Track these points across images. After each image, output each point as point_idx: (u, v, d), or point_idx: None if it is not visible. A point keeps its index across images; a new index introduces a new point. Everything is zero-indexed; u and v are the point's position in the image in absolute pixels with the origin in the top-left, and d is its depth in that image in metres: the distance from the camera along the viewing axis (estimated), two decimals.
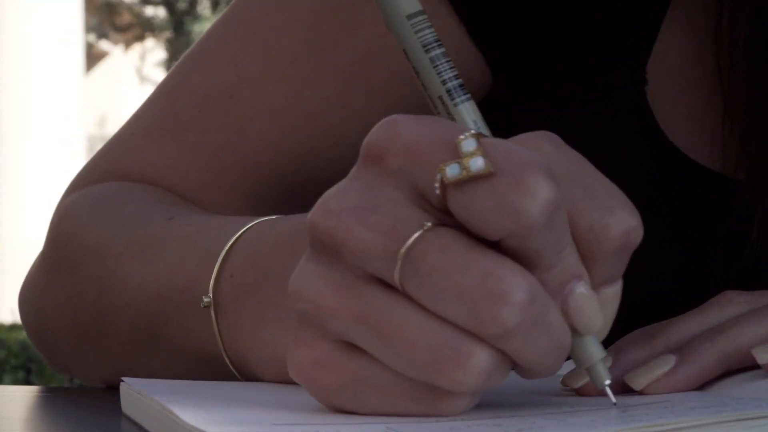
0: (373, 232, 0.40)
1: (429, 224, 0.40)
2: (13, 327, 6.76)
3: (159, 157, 0.68)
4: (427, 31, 0.44)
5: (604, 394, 0.48)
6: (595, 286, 0.42)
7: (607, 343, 0.50)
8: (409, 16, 0.44)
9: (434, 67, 0.44)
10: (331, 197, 0.41)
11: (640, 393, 0.47)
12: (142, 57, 13.65)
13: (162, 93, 0.70)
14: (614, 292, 0.43)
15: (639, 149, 0.65)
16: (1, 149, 9.42)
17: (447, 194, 0.40)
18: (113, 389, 0.53)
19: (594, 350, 0.43)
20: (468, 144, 0.40)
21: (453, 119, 0.43)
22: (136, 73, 13.61)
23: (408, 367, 0.40)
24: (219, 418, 0.42)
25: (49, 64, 9.51)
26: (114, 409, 0.51)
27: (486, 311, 0.39)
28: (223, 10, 0.71)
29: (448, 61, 0.44)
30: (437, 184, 0.40)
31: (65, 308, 0.65)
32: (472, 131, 0.40)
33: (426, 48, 0.44)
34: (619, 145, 0.65)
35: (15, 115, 9.42)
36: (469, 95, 0.44)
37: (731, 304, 0.50)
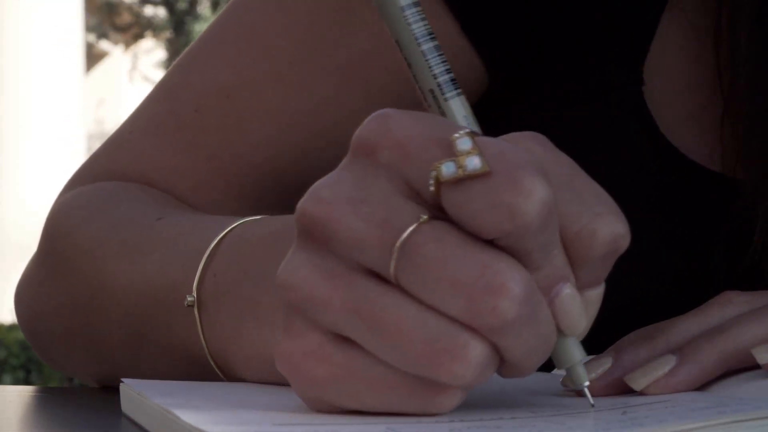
0: (366, 222, 0.40)
1: (425, 217, 0.40)
2: (13, 327, 6.76)
3: (156, 156, 0.68)
4: (421, 23, 0.44)
5: (604, 394, 0.48)
6: (580, 289, 0.42)
7: (607, 343, 0.51)
8: (404, 8, 0.43)
9: (426, 60, 0.43)
10: (323, 186, 0.41)
11: (641, 393, 0.47)
12: (142, 57, 13.64)
13: (160, 92, 0.70)
14: (597, 294, 0.43)
15: (637, 149, 0.65)
16: (1, 149, 9.42)
17: (441, 192, 0.40)
18: (113, 389, 0.53)
19: (575, 351, 0.43)
20: (464, 142, 0.40)
21: (443, 114, 0.43)
22: (136, 73, 13.60)
23: (402, 360, 0.40)
24: (219, 418, 0.41)
25: (49, 64, 9.50)
26: (114, 409, 0.51)
27: (484, 303, 0.39)
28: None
29: (440, 55, 0.44)
30: (431, 182, 0.40)
31: (59, 309, 0.65)
32: (467, 129, 0.40)
33: (419, 40, 0.43)
34: (618, 145, 0.65)
35: (15, 115, 9.41)
36: (460, 90, 0.44)
37: (731, 304, 0.50)
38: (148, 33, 13.37)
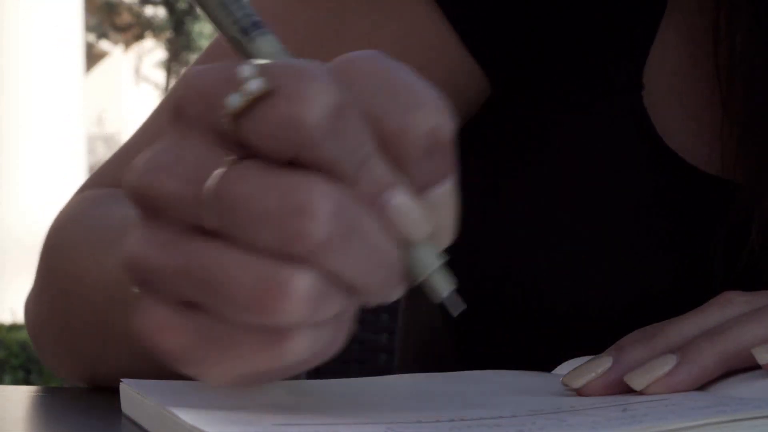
0: (180, 181, 0.40)
1: (229, 159, 0.39)
2: (13, 327, 6.77)
3: None
4: None
5: (604, 394, 0.48)
6: (419, 191, 0.40)
7: (607, 343, 0.51)
8: None
9: (225, 7, 0.42)
10: (140, 157, 0.41)
11: (641, 393, 0.47)
12: (142, 57, 13.65)
13: (166, 102, 0.70)
14: (443, 193, 0.41)
15: (637, 153, 0.65)
16: (1, 149, 9.43)
17: (237, 125, 0.39)
18: (113, 389, 0.53)
19: (429, 258, 0.40)
20: (245, 71, 0.39)
21: (253, 56, 0.42)
22: (135, 72, 13.61)
23: (237, 311, 0.39)
24: (219, 418, 0.42)
25: (49, 64, 9.50)
26: (114, 409, 0.51)
27: (292, 228, 0.38)
28: None
29: (240, 1, 0.42)
30: (226, 119, 0.39)
31: (45, 311, 0.65)
32: (257, 61, 0.40)
33: None
34: (616, 148, 0.65)
35: (15, 115, 9.41)
36: (264, 30, 0.43)
37: (731, 304, 0.50)
38: (148, 33, 13.38)
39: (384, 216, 0.39)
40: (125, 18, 13.29)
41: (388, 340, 1.15)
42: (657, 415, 0.41)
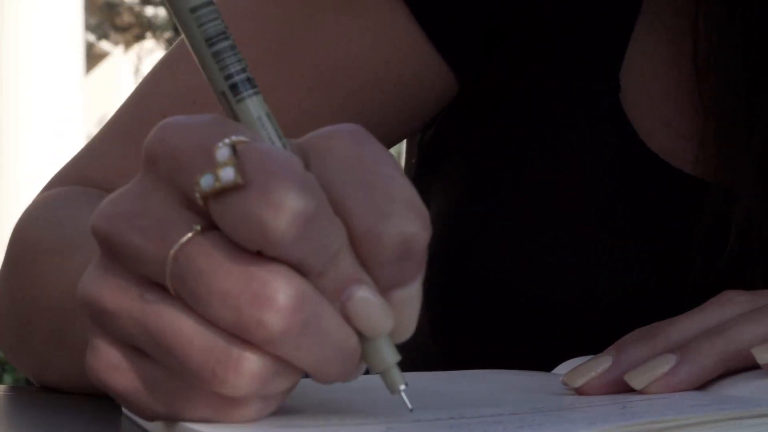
0: (142, 236, 0.40)
1: (198, 227, 0.40)
2: None
3: (121, 163, 0.68)
4: (212, 23, 0.42)
5: (604, 393, 0.48)
6: (383, 290, 0.40)
7: (606, 343, 0.51)
8: (193, 9, 0.42)
9: (218, 61, 0.42)
10: (108, 201, 0.41)
11: (641, 392, 0.47)
12: (142, 57, 13.65)
13: (133, 99, 0.70)
14: (408, 294, 0.41)
15: (616, 156, 0.65)
16: (0, 149, 9.42)
17: (207, 203, 0.39)
18: None
19: (387, 354, 0.41)
20: (222, 153, 0.39)
21: (236, 117, 0.42)
22: (135, 73, 13.61)
23: (184, 372, 0.40)
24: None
25: (49, 64, 9.50)
26: (114, 409, 0.51)
27: (250, 316, 0.38)
28: None
29: (234, 55, 0.42)
30: (197, 194, 0.39)
31: (7, 304, 0.65)
32: (233, 137, 0.39)
33: (209, 41, 0.42)
34: (597, 150, 0.65)
35: (15, 115, 9.41)
36: (256, 89, 0.42)
37: (732, 303, 0.50)
38: (148, 33, 13.37)
39: (345, 310, 0.40)
40: (125, 18, 13.29)
41: None
42: (656, 412, 0.41)
